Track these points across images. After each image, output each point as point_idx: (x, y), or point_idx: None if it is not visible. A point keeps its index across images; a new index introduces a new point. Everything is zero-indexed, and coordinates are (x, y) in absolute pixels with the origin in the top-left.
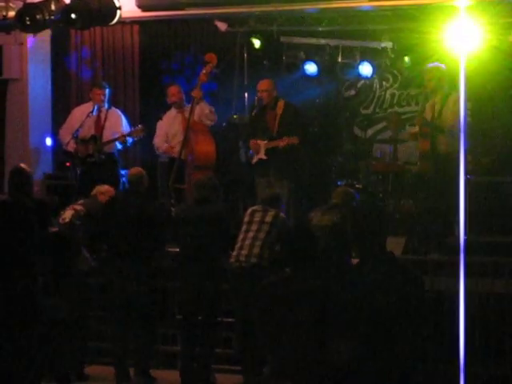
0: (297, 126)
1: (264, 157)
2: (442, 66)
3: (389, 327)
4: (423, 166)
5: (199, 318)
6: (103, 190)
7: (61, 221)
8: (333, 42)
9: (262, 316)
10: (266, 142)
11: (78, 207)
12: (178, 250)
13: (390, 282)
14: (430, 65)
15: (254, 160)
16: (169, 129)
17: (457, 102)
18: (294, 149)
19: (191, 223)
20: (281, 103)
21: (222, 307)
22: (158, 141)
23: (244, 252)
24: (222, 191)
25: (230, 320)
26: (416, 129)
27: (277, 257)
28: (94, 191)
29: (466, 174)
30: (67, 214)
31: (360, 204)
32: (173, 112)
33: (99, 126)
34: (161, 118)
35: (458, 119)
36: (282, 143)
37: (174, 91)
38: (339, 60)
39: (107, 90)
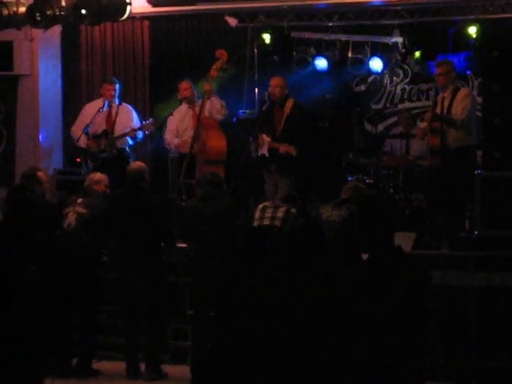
0: (301, 130)
1: (266, 154)
2: (452, 60)
3: (395, 322)
4: (433, 161)
5: (211, 313)
6: (96, 179)
7: (66, 226)
8: (343, 37)
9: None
10: (269, 140)
11: (81, 209)
12: (185, 245)
13: (396, 276)
14: (440, 59)
15: (259, 153)
16: (180, 124)
17: (466, 96)
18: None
19: (200, 219)
20: (290, 102)
21: None
22: (169, 136)
23: None
24: (225, 186)
25: None
26: (425, 124)
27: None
28: (87, 182)
29: (477, 168)
30: (71, 219)
31: (367, 198)
32: (184, 107)
33: (110, 121)
34: (171, 114)
35: (468, 113)
36: (282, 149)
37: (185, 86)
38: (349, 55)
39: (118, 86)
